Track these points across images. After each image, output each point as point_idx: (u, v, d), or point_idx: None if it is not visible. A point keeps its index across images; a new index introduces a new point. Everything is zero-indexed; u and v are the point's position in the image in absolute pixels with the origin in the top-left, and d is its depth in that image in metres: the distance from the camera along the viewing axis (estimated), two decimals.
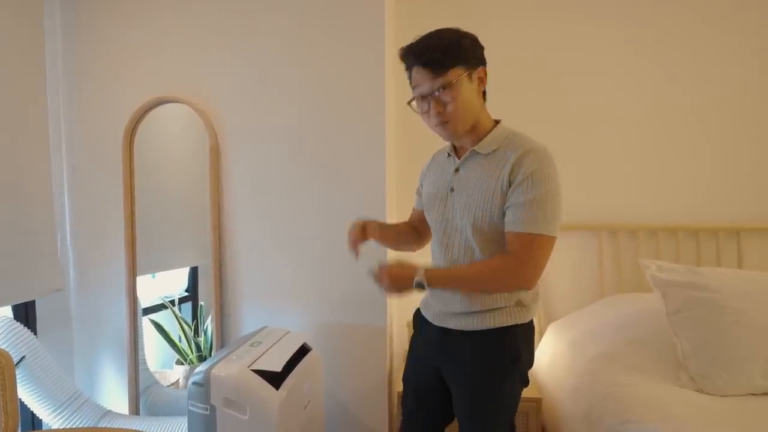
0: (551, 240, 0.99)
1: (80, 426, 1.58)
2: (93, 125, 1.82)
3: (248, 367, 1.31)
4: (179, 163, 1.95)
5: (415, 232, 1.32)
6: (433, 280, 1.03)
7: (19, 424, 1.68)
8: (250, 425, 1.26)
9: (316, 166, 1.70)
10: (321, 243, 1.71)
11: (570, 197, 1.93)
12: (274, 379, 1.32)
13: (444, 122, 1.03)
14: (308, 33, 1.68)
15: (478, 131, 1.06)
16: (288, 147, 1.72)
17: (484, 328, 1.05)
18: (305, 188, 1.71)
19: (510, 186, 0.99)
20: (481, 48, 1.05)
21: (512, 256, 0.99)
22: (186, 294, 2.25)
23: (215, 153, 1.75)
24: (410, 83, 1.06)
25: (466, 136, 1.07)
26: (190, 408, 1.30)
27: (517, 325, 1.05)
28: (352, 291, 1.70)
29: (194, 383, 1.29)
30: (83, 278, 1.85)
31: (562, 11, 1.95)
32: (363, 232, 1.22)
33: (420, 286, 1.03)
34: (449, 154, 1.14)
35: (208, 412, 1.28)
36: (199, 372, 1.30)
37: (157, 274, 2.16)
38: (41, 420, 1.59)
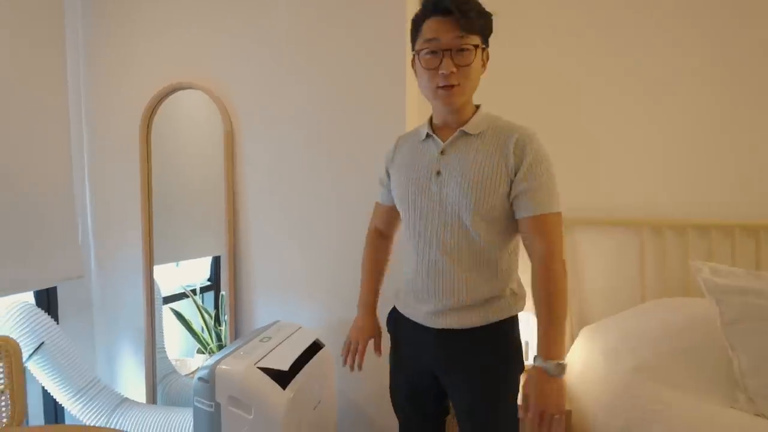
0: (561, 214, 1.00)
1: (97, 412, 1.59)
2: (112, 112, 1.82)
3: (255, 364, 1.25)
4: (199, 151, 1.92)
5: (385, 251, 1.27)
6: (557, 352, 0.93)
7: (42, 413, 1.72)
8: (254, 425, 1.20)
9: (332, 154, 1.62)
10: (337, 235, 1.64)
11: (609, 190, 1.79)
12: (282, 377, 1.26)
13: (451, 85, 0.96)
14: (325, 16, 1.59)
15: (463, 113, 1.03)
16: (304, 134, 1.64)
17: (486, 323, 1.01)
18: (321, 177, 1.64)
19: (515, 169, 0.97)
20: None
21: (545, 248, 0.96)
22: (208, 283, 2.24)
23: (230, 139, 1.70)
24: (417, 34, 0.99)
25: (450, 116, 1.03)
26: (196, 404, 1.26)
27: (514, 316, 1.05)
28: None
29: (200, 379, 1.25)
30: (103, 265, 1.86)
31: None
32: (364, 341, 1.19)
33: (561, 369, 0.92)
34: (428, 135, 1.06)
35: (212, 409, 1.23)
36: (205, 367, 1.25)
37: (180, 263, 2.16)
38: (63, 407, 1.61)
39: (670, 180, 1.76)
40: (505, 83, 1.80)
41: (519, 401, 1.00)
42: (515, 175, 0.97)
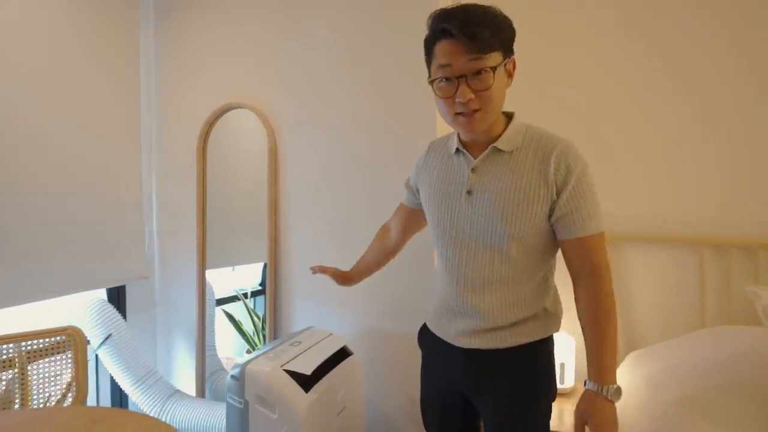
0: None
1: (153, 401, 1.75)
2: (176, 128, 2.03)
3: (281, 366, 1.32)
4: (251, 165, 2.08)
5: (384, 251, 1.30)
6: (611, 377, 0.90)
7: (109, 397, 1.94)
8: (278, 424, 1.27)
9: (367, 168, 1.68)
10: None
11: (663, 202, 1.65)
12: (306, 381, 1.32)
13: (473, 111, 0.89)
14: (361, 40, 1.67)
15: (495, 127, 0.95)
16: (341, 150, 1.72)
17: (517, 344, 0.97)
18: (357, 190, 1.70)
19: (558, 189, 0.91)
20: (515, 35, 0.93)
21: (596, 273, 0.92)
22: (260, 288, 2.39)
23: (273, 154, 1.82)
24: (430, 57, 0.92)
25: (483, 132, 0.95)
26: (228, 399, 1.35)
27: (549, 337, 1.01)
28: (400, 298, 1.64)
29: (232, 376, 1.34)
30: (165, 268, 2.07)
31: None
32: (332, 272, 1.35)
33: (618, 393, 0.91)
34: (458, 150, 1.00)
35: (242, 406, 1.32)
36: (237, 366, 1.35)
37: (236, 268, 2.33)
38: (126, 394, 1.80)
39: (737, 194, 1.58)
40: (553, 88, 1.74)
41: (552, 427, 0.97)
42: (557, 196, 0.91)
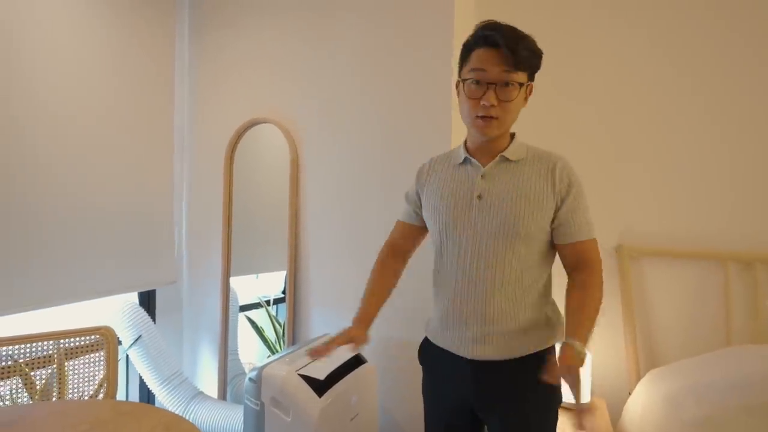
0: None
1: (177, 400, 1.84)
2: (206, 141, 2.14)
3: (296, 371, 1.37)
4: (275, 177, 2.17)
5: (395, 273, 1.23)
6: (584, 340, 0.92)
7: (137, 395, 2.03)
8: (292, 426, 1.31)
9: (384, 180, 1.72)
10: None
11: (685, 216, 1.61)
12: (319, 386, 1.35)
13: (491, 117, 0.97)
14: (378, 55, 1.73)
15: (501, 140, 1.05)
16: (359, 162, 1.78)
17: (526, 354, 1.00)
18: (373, 201, 1.74)
19: (562, 197, 1.00)
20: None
21: (591, 267, 1.01)
22: (282, 295, 2.47)
23: (295, 166, 1.89)
24: (465, 61, 1.00)
25: (487, 143, 1.04)
26: (246, 401, 1.41)
27: (553, 346, 1.03)
28: (415, 307, 1.66)
29: (250, 379, 1.40)
30: (193, 274, 2.17)
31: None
32: (350, 342, 1.09)
33: (584, 353, 0.92)
34: (466, 159, 1.07)
35: (258, 408, 1.37)
36: (255, 369, 1.40)
37: (260, 275, 2.42)
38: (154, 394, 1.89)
39: (762, 207, 1.53)
40: (571, 101, 1.75)
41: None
42: (561, 204, 1.00)
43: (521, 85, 0.96)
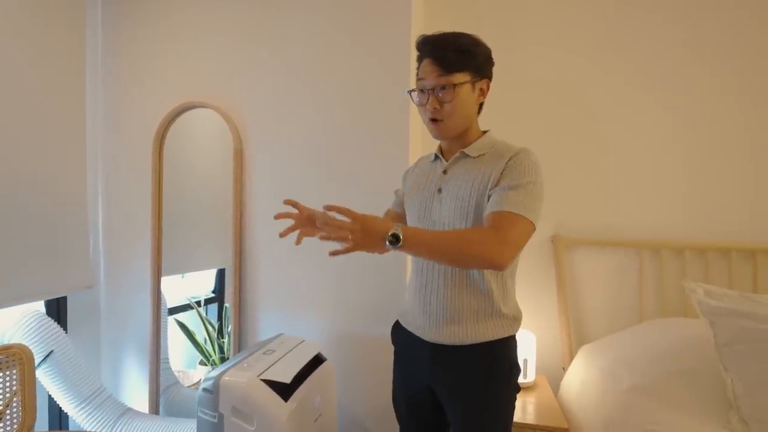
0: (532, 226, 0.97)
1: (101, 422, 1.61)
2: (126, 128, 1.88)
3: (258, 376, 1.28)
4: (207, 167, 1.98)
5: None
6: (409, 234, 0.90)
7: (47, 419, 1.75)
8: None
9: (338, 172, 1.67)
10: None
11: (609, 211, 1.83)
12: (284, 390, 1.29)
13: (436, 120, 1.06)
14: (332, 38, 1.66)
15: (466, 138, 1.10)
16: (310, 153, 1.70)
17: (478, 341, 1.04)
18: (325, 194, 1.68)
19: (502, 176, 1.01)
20: (492, 63, 1.09)
21: (495, 231, 0.94)
22: (213, 295, 2.28)
23: (239, 157, 1.75)
24: (417, 73, 1.09)
25: (455, 141, 1.11)
26: (200, 414, 1.28)
27: (511, 336, 1.08)
28: (369, 302, 1.65)
29: (204, 390, 1.28)
30: (112, 276, 1.91)
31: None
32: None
33: (395, 240, 0.89)
34: (436, 157, 1.16)
35: (216, 420, 1.26)
36: (210, 378, 1.28)
37: (186, 275, 2.20)
38: (67, 415, 1.63)
39: (671, 201, 1.79)
40: (509, 96, 1.86)
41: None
42: (498, 180, 0.99)
43: (456, 85, 1.02)
